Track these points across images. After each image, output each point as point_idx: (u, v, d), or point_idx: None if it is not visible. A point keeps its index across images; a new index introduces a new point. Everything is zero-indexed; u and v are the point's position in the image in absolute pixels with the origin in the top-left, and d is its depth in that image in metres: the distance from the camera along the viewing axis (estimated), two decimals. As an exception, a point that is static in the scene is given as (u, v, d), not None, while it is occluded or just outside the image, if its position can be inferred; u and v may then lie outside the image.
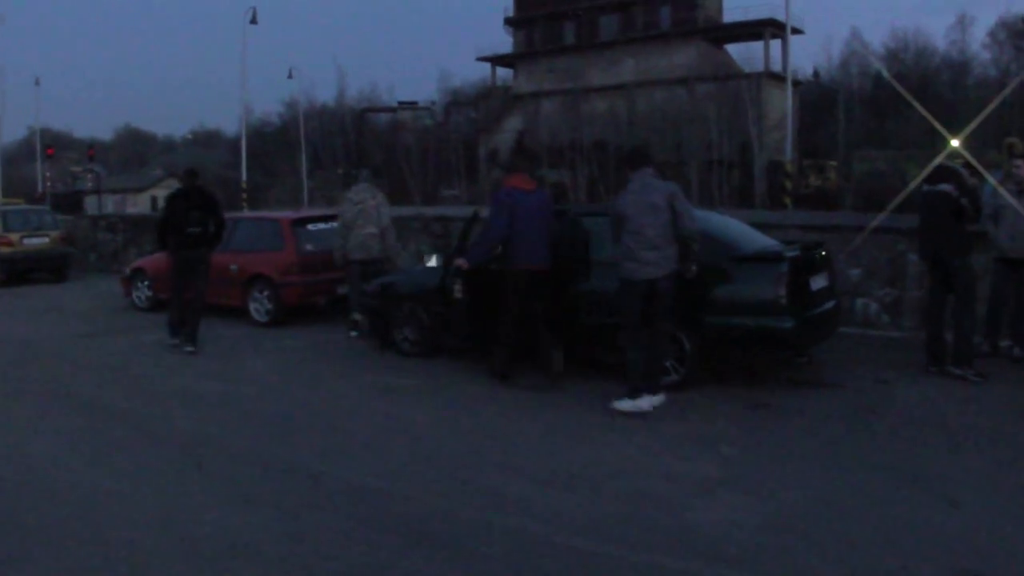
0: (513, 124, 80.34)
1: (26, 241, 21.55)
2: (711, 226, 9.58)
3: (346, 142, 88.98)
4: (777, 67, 66.77)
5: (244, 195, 46.49)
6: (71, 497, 6.37)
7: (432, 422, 8.17)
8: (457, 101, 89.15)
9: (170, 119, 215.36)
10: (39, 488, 6.60)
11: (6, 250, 21.17)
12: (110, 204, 73.59)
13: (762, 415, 8.06)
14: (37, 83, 65.82)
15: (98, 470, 7.00)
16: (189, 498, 6.26)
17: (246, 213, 21.52)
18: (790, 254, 8.92)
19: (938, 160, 9.67)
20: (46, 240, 22.02)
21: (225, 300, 14.37)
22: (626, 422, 7.92)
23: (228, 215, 13.66)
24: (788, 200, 33.46)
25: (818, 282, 9.42)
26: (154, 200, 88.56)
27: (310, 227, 14.54)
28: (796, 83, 55.89)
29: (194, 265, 12.14)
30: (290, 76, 68.56)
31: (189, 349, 11.91)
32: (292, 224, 14.31)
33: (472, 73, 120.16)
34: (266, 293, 14.01)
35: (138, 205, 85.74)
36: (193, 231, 12.00)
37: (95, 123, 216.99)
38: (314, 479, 6.57)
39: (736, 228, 10.03)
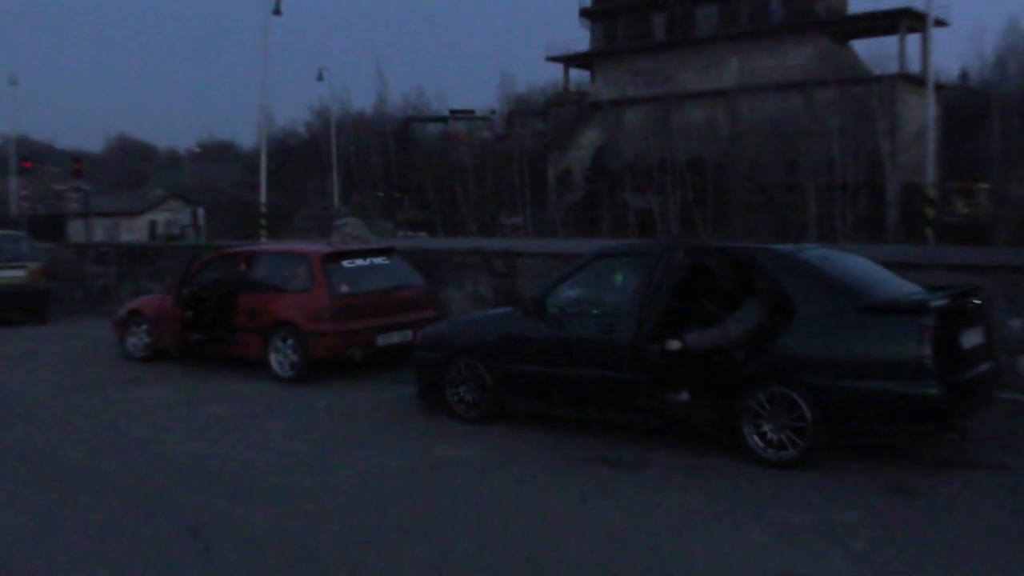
0: (590, 138, 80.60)
1: None
2: (834, 267, 9.55)
3: (386, 159, 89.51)
4: (915, 68, 66.39)
5: (263, 221, 46.22)
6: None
7: (494, 504, 8.17)
8: (522, 110, 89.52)
9: (173, 129, 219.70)
10: (11, 576, 6.67)
11: None
12: (100, 230, 74.49)
13: (902, 502, 7.97)
14: (14, 83, 67.15)
15: (84, 555, 7.07)
16: (200, 593, 6.32)
17: (267, 245, 21.68)
18: (936, 303, 8.77)
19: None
20: (22, 273, 21.94)
21: (241, 351, 14.51)
22: (734, 508, 7.88)
23: (244, 247, 14.03)
24: (929, 232, 33.14)
25: (971, 338, 9.27)
26: (153, 225, 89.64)
27: (346, 263, 14.52)
28: (939, 87, 55.64)
29: None
30: (320, 78, 69.39)
31: None
32: (324, 260, 14.29)
33: (540, 76, 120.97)
34: (291, 343, 14.01)
35: (134, 231, 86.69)
36: None
37: (82, 133, 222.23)
38: (351, 572, 6.61)
39: (867, 270, 9.96)
